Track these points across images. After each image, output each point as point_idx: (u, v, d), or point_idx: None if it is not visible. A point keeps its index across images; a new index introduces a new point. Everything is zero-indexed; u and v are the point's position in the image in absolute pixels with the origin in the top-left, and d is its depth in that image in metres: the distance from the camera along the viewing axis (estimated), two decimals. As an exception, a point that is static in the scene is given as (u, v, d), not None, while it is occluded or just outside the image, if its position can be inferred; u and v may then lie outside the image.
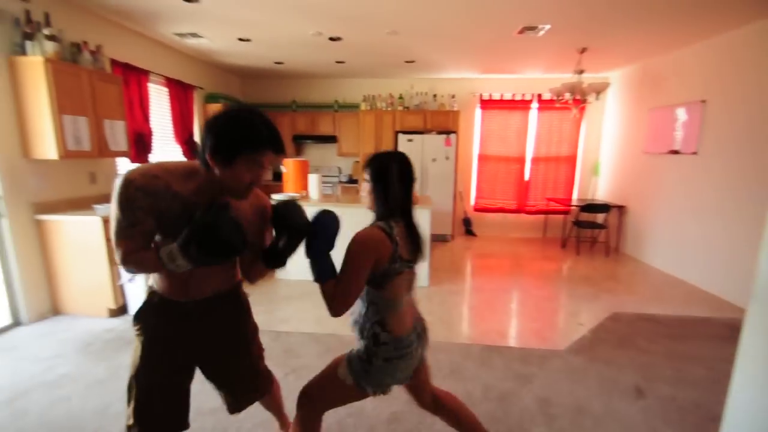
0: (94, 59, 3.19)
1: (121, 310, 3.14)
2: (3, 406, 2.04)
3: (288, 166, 4.42)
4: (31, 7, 2.79)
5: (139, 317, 1.27)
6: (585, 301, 3.67)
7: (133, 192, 1.03)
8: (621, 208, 5.50)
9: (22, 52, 2.76)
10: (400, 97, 6.09)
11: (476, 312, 3.44)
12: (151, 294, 1.27)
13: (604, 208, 5.33)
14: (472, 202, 6.62)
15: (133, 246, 1.07)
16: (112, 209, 1.07)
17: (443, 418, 1.58)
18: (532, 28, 3.72)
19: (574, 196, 6.44)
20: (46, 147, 2.82)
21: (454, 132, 5.83)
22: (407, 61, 5.15)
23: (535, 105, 6.16)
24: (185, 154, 4.91)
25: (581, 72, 4.57)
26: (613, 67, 5.44)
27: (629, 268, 4.83)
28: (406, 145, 5.83)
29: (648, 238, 5.02)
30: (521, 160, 6.38)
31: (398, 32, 3.89)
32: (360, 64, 5.38)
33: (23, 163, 2.87)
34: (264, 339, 1.52)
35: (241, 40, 4.21)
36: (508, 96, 6.18)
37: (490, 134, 6.36)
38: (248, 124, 1.03)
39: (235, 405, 1.44)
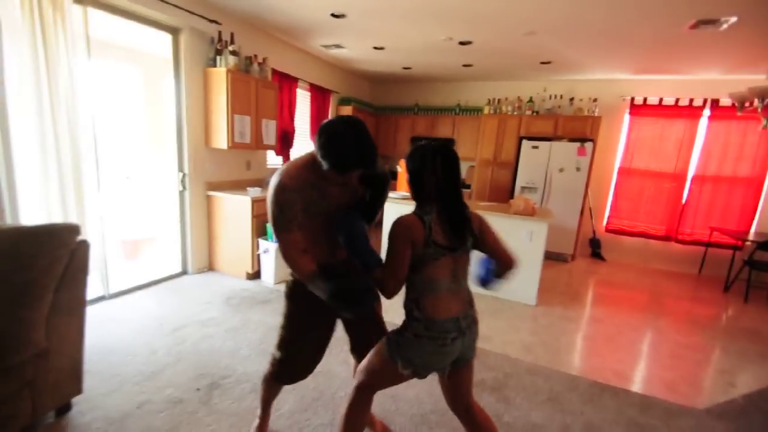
0: (260, 69, 3.89)
1: (255, 275, 3.78)
2: (170, 333, 2.68)
3: (403, 167, 4.61)
4: (222, 28, 3.57)
5: (292, 288, 1.54)
6: (745, 360, 2.88)
7: (289, 194, 1.31)
8: (828, 252, 4.11)
9: (213, 64, 3.56)
10: (530, 101, 5.72)
11: (590, 344, 3.03)
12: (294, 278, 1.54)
13: (798, 247, 4.05)
14: (605, 221, 5.80)
15: (291, 237, 1.33)
16: (270, 209, 1.35)
17: (468, 430, 1.53)
18: (711, 22, 3.07)
19: (753, 228, 5.06)
20: (221, 138, 3.58)
21: (590, 140, 5.20)
22: (543, 62, 4.81)
23: (706, 112, 5.05)
24: (319, 150, 5.58)
25: (778, 71, 3.57)
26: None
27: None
28: (529, 152, 5.46)
29: None
30: (679, 178, 5.31)
31: (536, 32, 3.67)
32: (488, 67, 5.25)
33: (204, 150, 3.70)
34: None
35: (375, 48, 4.57)
36: (669, 101, 5.21)
37: (639, 144, 5.46)
38: (339, 150, 1.25)
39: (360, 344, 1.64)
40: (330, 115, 5.79)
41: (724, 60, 4.13)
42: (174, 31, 3.34)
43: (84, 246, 1.85)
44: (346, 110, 5.94)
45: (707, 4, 2.77)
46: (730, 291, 4.58)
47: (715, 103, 4.98)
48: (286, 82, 4.56)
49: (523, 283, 3.69)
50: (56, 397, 1.84)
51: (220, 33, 3.54)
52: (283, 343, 1.56)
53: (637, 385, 2.46)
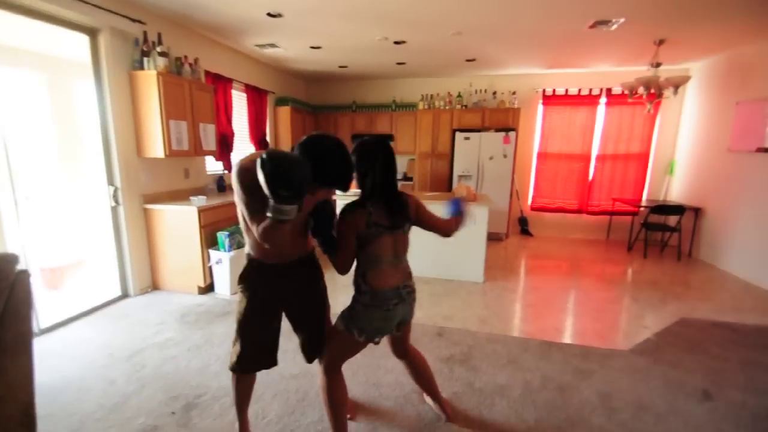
0: (192, 71, 3.68)
1: (208, 288, 3.61)
2: (124, 360, 2.49)
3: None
4: (147, 28, 3.30)
5: (244, 278, 1.61)
6: (651, 305, 3.51)
7: (252, 175, 1.28)
8: (697, 210, 5.09)
9: (140, 67, 3.28)
10: (459, 96, 6.14)
11: (533, 309, 3.44)
12: (251, 260, 1.60)
13: (678, 209, 4.97)
14: (530, 201, 6.49)
15: (261, 219, 1.33)
16: (239, 195, 1.38)
17: (407, 368, 1.92)
18: (605, 22, 3.61)
19: (644, 196, 6.05)
20: (156, 147, 3.33)
21: (513, 129, 5.76)
22: (468, 60, 5.20)
23: (603, 100, 5.88)
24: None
25: (658, 65, 4.31)
26: (694, 58, 5.04)
27: (703, 274, 4.47)
28: (463, 143, 5.88)
29: (727, 242, 4.61)
30: (585, 158, 6.13)
31: (463, 32, 3.98)
32: (420, 65, 5.53)
33: (136, 160, 3.41)
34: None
35: (312, 48, 4.55)
36: (573, 91, 5.96)
37: (552, 131, 6.18)
38: (320, 171, 1.32)
39: (310, 351, 1.73)
40: (268, 116, 5.63)
41: (615, 55, 4.86)
42: (92, 32, 3.02)
43: (25, 276, 1.67)
44: (284, 110, 5.82)
45: (601, 6, 3.26)
46: (633, 250, 5.46)
47: (608, 91, 5.82)
48: (221, 84, 4.35)
49: (471, 263, 4.03)
50: (9, 448, 1.65)
51: (145, 33, 3.28)
52: (243, 331, 1.61)
53: (575, 338, 2.88)
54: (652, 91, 4.30)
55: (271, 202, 1.23)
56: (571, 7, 3.26)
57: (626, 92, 4.61)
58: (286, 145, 5.92)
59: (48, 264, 3.65)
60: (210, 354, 2.56)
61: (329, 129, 6.71)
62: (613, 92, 5.79)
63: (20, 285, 1.64)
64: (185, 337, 2.79)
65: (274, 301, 1.62)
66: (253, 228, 1.42)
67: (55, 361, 2.44)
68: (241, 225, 1.56)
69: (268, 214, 1.25)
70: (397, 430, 1.89)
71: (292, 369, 2.37)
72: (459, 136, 5.91)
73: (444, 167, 6.19)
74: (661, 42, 4.21)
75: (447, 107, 6.11)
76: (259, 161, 1.22)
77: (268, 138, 5.66)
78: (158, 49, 3.28)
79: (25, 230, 2.75)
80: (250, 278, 1.60)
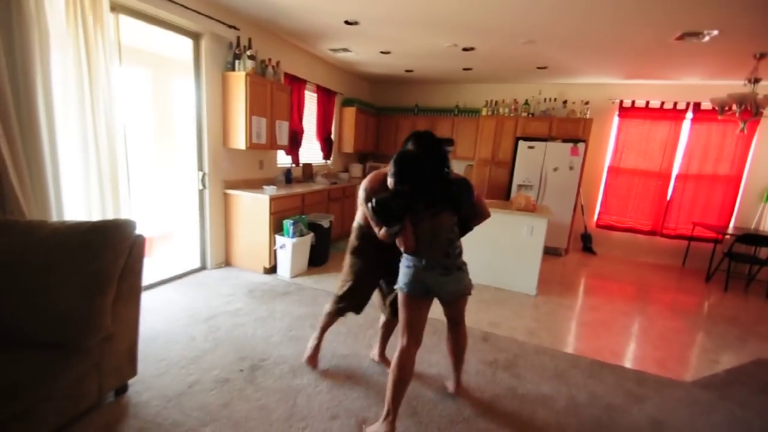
0: (274, 72, 4.06)
1: (272, 269, 3.96)
2: (202, 322, 2.86)
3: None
4: (240, 33, 3.72)
5: (359, 245, 2.12)
6: (726, 341, 3.20)
7: (370, 194, 1.83)
8: (798, 244, 4.50)
9: (232, 68, 3.71)
10: (526, 103, 6.01)
11: (588, 329, 3.31)
12: (362, 229, 2.09)
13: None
14: (596, 217, 6.14)
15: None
16: (363, 206, 1.96)
17: (447, 342, 2.14)
18: (695, 34, 3.37)
19: (731, 223, 5.45)
20: (239, 139, 3.74)
21: (582, 141, 5.51)
22: (539, 67, 5.09)
23: (689, 115, 5.41)
24: (322, 149, 5.76)
25: (756, 80, 3.90)
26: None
27: (800, 316, 3.95)
28: (525, 152, 5.75)
29: (836, 284, 4.02)
30: (664, 177, 5.67)
31: (535, 41, 3.93)
32: (487, 71, 5.51)
33: (222, 150, 3.86)
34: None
35: (382, 53, 4.77)
36: (655, 104, 5.55)
37: (627, 145, 5.80)
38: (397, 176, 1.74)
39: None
40: (335, 115, 5.97)
41: (706, 68, 4.47)
42: (195, 36, 3.49)
43: (140, 240, 2.03)
44: (350, 111, 6.13)
45: (693, 18, 3.06)
46: (711, 281, 4.95)
47: (696, 106, 5.34)
48: (296, 84, 4.73)
49: (524, 274, 3.97)
50: (117, 378, 2.01)
51: (238, 38, 3.70)
52: (349, 289, 2.17)
53: (631, 362, 2.74)
54: (747, 108, 3.89)
55: (384, 229, 1.75)
56: (656, 16, 3.09)
57: (717, 108, 4.22)
58: (348, 141, 6.22)
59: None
60: (272, 326, 2.85)
61: (391, 130, 6.92)
62: (702, 107, 5.30)
63: (137, 246, 1.99)
64: (252, 309, 3.12)
65: (380, 263, 2.09)
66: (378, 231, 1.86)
67: (147, 316, 2.86)
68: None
69: (383, 231, 1.77)
70: (437, 420, 1.98)
71: (344, 350, 2.57)
72: (522, 144, 5.78)
73: (503, 175, 6.09)
74: (761, 56, 3.81)
75: (512, 114, 6.00)
76: (375, 204, 1.70)
77: (332, 136, 6.00)
78: (248, 52, 3.69)
79: (132, 203, 3.26)
80: (363, 245, 2.10)
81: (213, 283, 3.63)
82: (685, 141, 5.50)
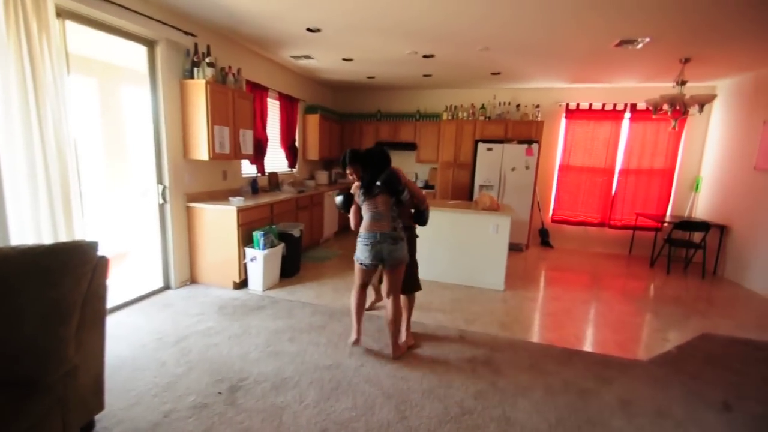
0: (235, 80, 3.95)
1: (242, 284, 3.83)
2: (172, 345, 2.71)
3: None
4: (198, 40, 3.59)
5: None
6: (673, 320, 3.54)
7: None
8: (723, 228, 5.06)
9: (190, 76, 3.56)
10: (483, 107, 6.29)
11: (554, 318, 3.52)
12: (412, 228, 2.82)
13: (703, 226, 4.95)
14: (551, 213, 6.53)
15: None
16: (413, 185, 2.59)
17: (386, 316, 2.66)
18: (631, 41, 3.72)
19: (668, 212, 6.03)
20: (201, 150, 3.59)
21: (536, 141, 5.85)
22: (493, 73, 5.35)
23: (627, 115, 5.92)
24: (287, 157, 5.66)
25: (683, 83, 4.36)
26: (721, 76, 5.06)
27: (728, 292, 4.45)
28: (485, 153, 6.00)
29: (753, 261, 4.58)
30: (608, 172, 6.16)
31: (490, 48, 4.14)
32: (446, 77, 5.71)
33: (183, 162, 3.68)
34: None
35: (344, 60, 4.79)
36: (597, 106, 6.03)
37: (574, 144, 6.24)
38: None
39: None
40: (298, 123, 5.90)
41: (641, 72, 4.93)
42: (150, 44, 3.32)
43: (103, 262, 1.90)
44: (313, 118, 6.08)
45: (628, 26, 3.37)
46: (655, 266, 5.44)
47: (633, 107, 5.87)
48: (258, 92, 4.63)
49: (492, 271, 4.14)
50: (82, 413, 1.86)
51: (196, 45, 3.56)
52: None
53: (595, 347, 2.95)
54: (677, 108, 4.35)
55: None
56: (598, 25, 3.38)
57: (650, 108, 4.67)
58: (313, 148, 6.17)
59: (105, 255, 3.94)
60: (249, 343, 2.76)
61: (354, 136, 6.94)
62: (638, 108, 5.83)
63: (100, 269, 1.87)
64: (225, 326, 3.00)
65: None
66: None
67: (110, 343, 2.65)
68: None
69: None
70: (426, 422, 2.02)
71: (326, 361, 2.54)
72: (481, 146, 6.04)
73: (465, 177, 6.32)
74: (686, 60, 4.27)
75: (470, 118, 6.25)
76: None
77: (297, 143, 5.91)
78: (207, 60, 3.56)
79: (85, 222, 3.02)
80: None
81: (179, 302, 3.45)
82: (625, 139, 6.02)
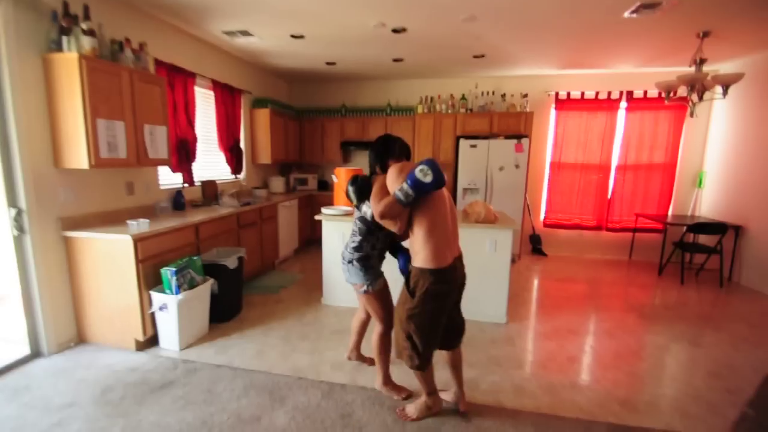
0: (136, 58, 2.85)
1: (149, 342, 2.72)
2: (-2, 477, 1.62)
3: (339, 176, 3.90)
4: (68, -2, 2.48)
5: None
6: (721, 354, 2.77)
7: None
8: (737, 229, 4.44)
9: (58, 48, 2.45)
10: (463, 98, 5.43)
11: (580, 366, 2.65)
12: None
13: (719, 228, 4.29)
14: (542, 216, 5.77)
15: None
16: None
17: None
18: (653, 5, 2.93)
19: (670, 212, 5.39)
20: (78, 155, 2.48)
21: (525, 136, 5.06)
22: (476, 56, 4.49)
23: (623, 104, 5.24)
24: (229, 162, 4.57)
25: (702, 61, 3.65)
26: (737, 56, 4.41)
27: (757, 304, 3.79)
28: (468, 151, 5.14)
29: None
30: (604, 169, 5.46)
31: (477, 17, 3.25)
32: (420, 62, 4.80)
33: (53, 172, 2.55)
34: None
35: (293, 37, 3.77)
36: (590, 95, 5.31)
37: (566, 139, 5.50)
38: None
39: None
40: (243, 119, 4.82)
41: (648, 50, 4.18)
42: (-23, -5, 2.19)
43: None
44: (263, 113, 5.02)
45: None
46: (664, 273, 4.76)
47: (629, 94, 5.20)
48: (179, 78, 3.53)
49: (492, 299, 3.25)
50: None
51: (66, 4, 2.45)
52: None
53: (651, 417, 2.09)
54: (697, 90, 3.62)
55: None
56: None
57: (663, 93, 3.94)
58: (264, 150, 5.10)
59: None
60: (127, 467, 1.69)
61: (316, 135, 5.92)
62: (634, 96, 5.16)
63: None
64: (99, 429, 1.91)
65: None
66: None
67: None
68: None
69: None
70: None
71: None
72: (464, 143, 5.17)
73: (447, 179, 5.42)
74: (705, 34, 3.57)
75: (450, 111, 5.38)
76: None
77: (242, 144, 4.83)
78: (83, 25, 2.46)
79: None
80: None
81: (44, 382, 2.31)
82: (622, 131, 5.34)
